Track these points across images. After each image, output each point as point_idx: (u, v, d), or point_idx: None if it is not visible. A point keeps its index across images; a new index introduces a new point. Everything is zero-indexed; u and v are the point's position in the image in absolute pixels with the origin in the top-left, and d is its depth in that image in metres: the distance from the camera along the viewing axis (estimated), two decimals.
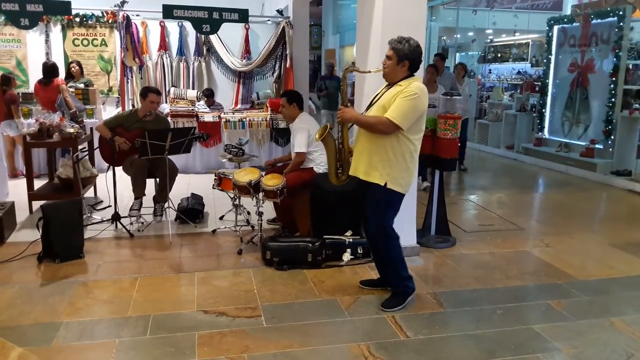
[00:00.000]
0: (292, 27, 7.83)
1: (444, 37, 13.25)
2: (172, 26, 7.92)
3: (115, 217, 4.59)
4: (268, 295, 3.41)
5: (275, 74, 8.15)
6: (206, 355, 2.69)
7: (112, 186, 4.52)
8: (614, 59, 7.19)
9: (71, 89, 6.73)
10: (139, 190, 4.79)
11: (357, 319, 3.11)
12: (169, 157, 4.56)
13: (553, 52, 8.40)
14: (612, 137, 7.26)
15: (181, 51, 7.98)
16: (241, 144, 5.05)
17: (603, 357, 2.76)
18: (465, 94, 7.19)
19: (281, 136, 7.29)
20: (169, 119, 6.55)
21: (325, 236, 3.99)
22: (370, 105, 3.20)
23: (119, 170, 4.75)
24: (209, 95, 7.71)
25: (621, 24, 7.07)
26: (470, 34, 13.11)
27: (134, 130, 4.75)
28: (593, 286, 3.66)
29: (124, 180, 4.86)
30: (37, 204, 4.71)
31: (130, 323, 3.01)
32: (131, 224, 4.69)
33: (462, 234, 4.78)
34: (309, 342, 2.84)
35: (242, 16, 6.59)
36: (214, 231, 4.67)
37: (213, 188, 4.66)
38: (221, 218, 5.01)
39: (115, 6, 7.24)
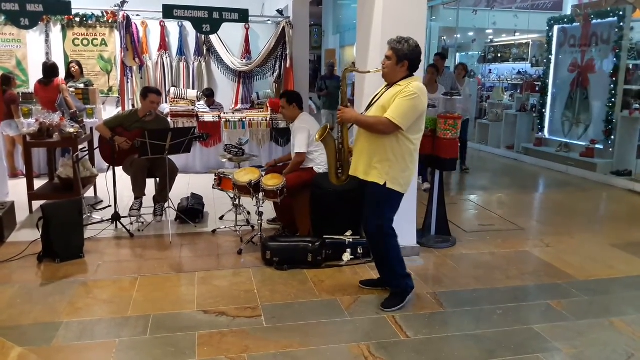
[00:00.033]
0: (292, 27, 7.83)
1: (444, 37, 13.25)
2: (172, 26, 7.92)
3: (116, 217, 4.59)
4: (268, 295, 3.41)
5: (276, 74, 8.15)
6: (206, 355, 2.69)
7: (112, 186, 4.52)
8: (614, 59, 7.19)
9: (71, 89, 6.73)
10: (139, 190, 4.79)
11: (357, 319, 3.11)
12: (169, 157, 4.56)
13: (553, 52, 8.39)
14: (612, 137, 7.26)
15: (181, 51, 7.99)
16: (241, 143, 5.06)
17: (603, 357, 2.76)
18: (465, 94, 7.18)
19: (281, 136, 7.29)
20: (169, 118, 6.56)
21: (325, 236, 3.99)
22: (370, 105, 3.20)
23: (119, 170, 4.75)
24: (209, 95, 7.71)
25: (621, 24, 7.06)
26: (471, 34, 13.12)
27: (134, 130, 4.75)
28: (593, 286, 3.66)
29: (124, 180, 4.86)
30: (37, 204, 4.71)
31: (130, 323, 3.01)
32: (131, 223, 4.69)
33: (462, 234, 4.78)
34: (309, 342, 2.84)
35: (242, 16, 6.59)
36: (214, 231, 4.67)
37: (213, 188, 4.66)
38: (221, 218, 5.01)
39: (115, 6, 7.24)
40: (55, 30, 7.60)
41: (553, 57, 8.41)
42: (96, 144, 5.27)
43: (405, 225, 3.89)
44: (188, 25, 7.48)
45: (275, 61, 8.13)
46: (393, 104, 2.97)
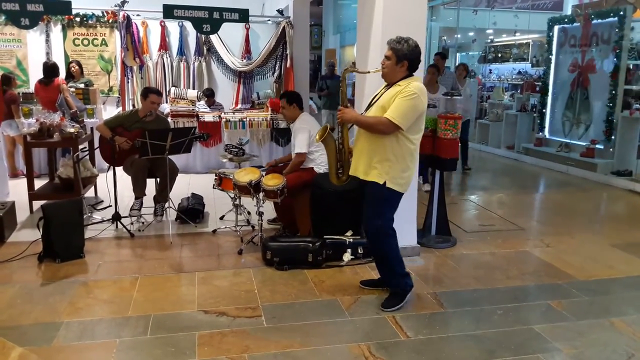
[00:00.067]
0: (292, 27, 7.83)
1: (445, 37, 13.25)
2: (173, 26, 7.92)
3: (116, 217, 4.59)
4: (268, 295, 3.41)
5: (276, 74, 8.15)
6: (207, 355, 2.69)
7: (113, 186, 4.52)
8: (615, 59, 7.18)
9: (71, 89, 6.74)
10: (139, 190, 4.80)
11: (357, 319, 3.11)
12: (169, 157, 4.56)
13: (553, 52, 8.39)
14: (613, 137, 7.25)
15: (181, 51, 7.99)
16: (241, 143, 5.06)
17: (603, 358, 2.76)
18: (466, 94, 7.18)
19: (281, 136, 7.29)
20: (169, 118, 6.57)
21: (325, 236, 3.99)
22: (370, 105, 3.20)
23: (119, 170, 4.76)
24: (209, 95, 7.71)
25: (622, 24, 7.06)
26: (471, 34, 13.12)
27: (134, 130, 4.76)
28: (593, 286, 3.66)
29: (125, 180, 4.86)
30: (37, 204, 4.71)
31: (130, 323, 3.01)
32: (132, 223, 4.69)
33: (462, 234, 4.78)
34: (309, 342, 2.84)
35: (243, 16, 6.59)
36: (214, 231, 4.67)
37: (213, 188, 4.66)
38: (221, 218, 5.01)
39: (115, 6, 7.24)
40: (56, 30, 7.60)
41: (553, 57, 8.40)
42: (96, 144, 5.27)
43: (405, 225, 3.89)
44: (188, 25, 7.48)
45: (275, 61, 8.13)
46: (393, 104, 2.97)
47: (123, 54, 7.38)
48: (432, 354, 2.75)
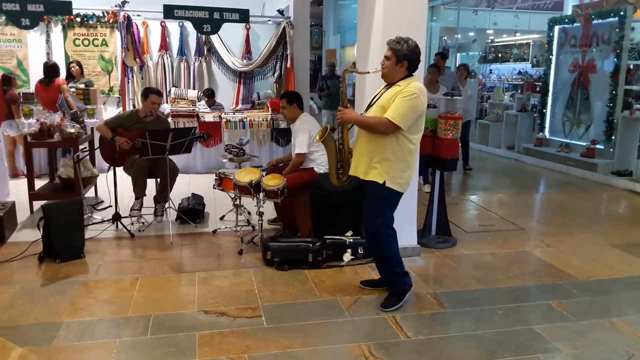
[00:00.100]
0: (292, 27, 7.83)
1: (445, 38, 13.25)
2: (173, 26, 7.93)
3: (116, 217, 4.59)
4: (269, 295, 3.41)
5: (276, 74, 8.15)
6: (207, 355, 2.69)
7: (113, 186, 4.52)
8: (615, 59, 7.18)
9: (72, 89, 6.74)
10: (139, 191, 4.80)
11: (357, 319, 3.11)
12: (169, 157, 4.56)
13: (554, 52, 8.39)
14: (613, 137, 7.25)
15: (182, 51, 7.99)
16: (242, 144, 5.06)
17: (604, 358, 2.76)
18: (467, 95, 7.18)
19: (282, 136, 7.29)
20: (169, 119, 6.57)
21: (325, 236, 3.99)
22: (370, 105, 3.20)
23: (119, 170, 4.75)
24: (209, 95, 7.71)
25: (622, 24, 7.06)
26: (471, 34, 13.12)
27: (134, 130, 4.76)
28: (594, 286, 3.66)
29: (125, 180, 4.86)
30: (37, 204, 4.71)
31: (130, 323, 3.01)
32: (132, 224, 4.69)
33: (462, 234, 4.78)
34: (309, 342, 2.84)
35: (243, 16, 6.60)
36: (214, 231, 4.67)
37: (214, 188, 4.66)
38: (222, 218, 5.01)
39: (116, 6, 7.24)
40: (56, 31, 7.60)
41: (554, 58, 8.40)
42: (97, 144, 5.27)
43: (405, 226, 3.89)
44: (189, 25, 7.48)
45: (275, 61, 8.13)
46: (393, 104, 2.97)
47: (123, 54, 7.38)
48: (432, 354, 2.75)
